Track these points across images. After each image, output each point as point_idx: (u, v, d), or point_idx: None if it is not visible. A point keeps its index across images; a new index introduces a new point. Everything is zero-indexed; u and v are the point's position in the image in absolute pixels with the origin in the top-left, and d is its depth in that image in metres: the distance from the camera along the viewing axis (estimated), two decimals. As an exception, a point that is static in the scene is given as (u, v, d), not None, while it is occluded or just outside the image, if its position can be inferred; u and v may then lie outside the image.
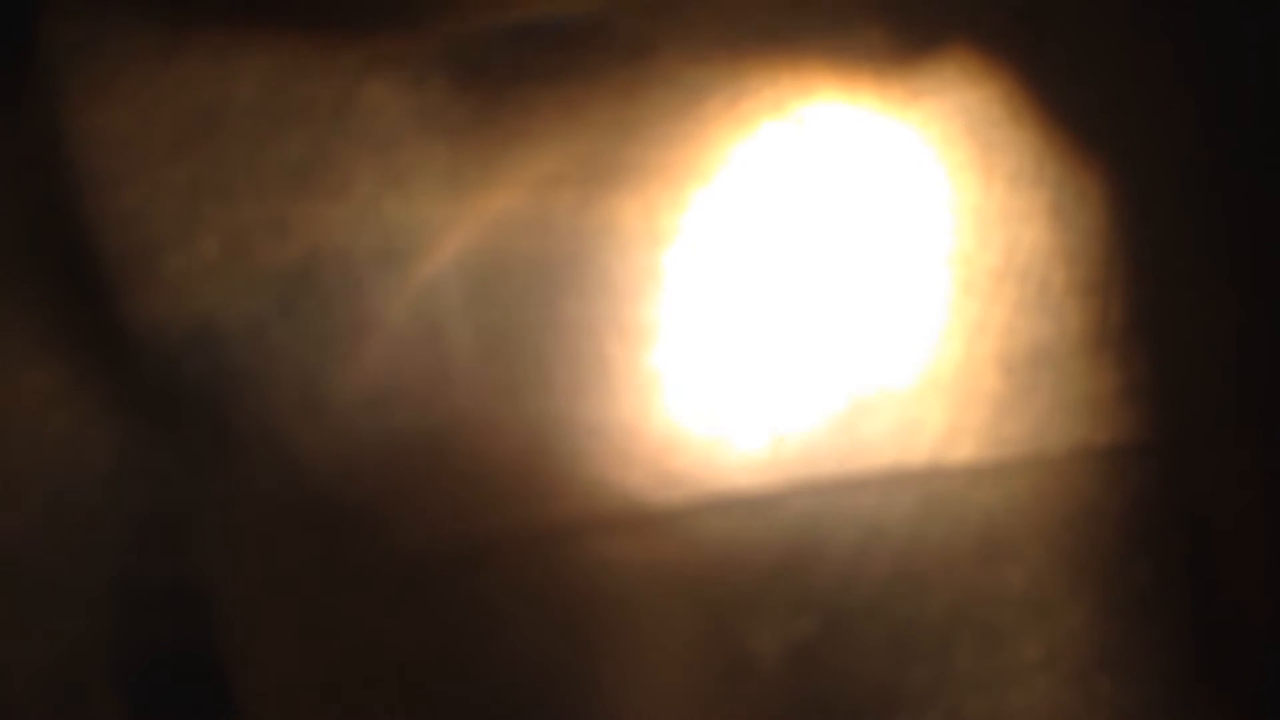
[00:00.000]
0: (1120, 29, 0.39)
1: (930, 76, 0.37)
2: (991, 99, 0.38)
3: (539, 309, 0.36)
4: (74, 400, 0.35)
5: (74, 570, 0.35)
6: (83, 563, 0.35)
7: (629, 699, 0.35)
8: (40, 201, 0.36)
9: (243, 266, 0.36)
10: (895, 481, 0.36)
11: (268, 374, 0.35)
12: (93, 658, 0.35)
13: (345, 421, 0.35)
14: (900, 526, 0.36)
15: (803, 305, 0.37)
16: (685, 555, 0.35)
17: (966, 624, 0.36)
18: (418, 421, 0.35)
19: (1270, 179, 0.39)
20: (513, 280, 0.36)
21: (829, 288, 0.37)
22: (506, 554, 0.35)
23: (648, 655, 0.35)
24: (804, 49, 0.37)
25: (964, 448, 0.36)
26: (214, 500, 0.35)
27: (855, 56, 0.37)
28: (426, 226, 0.36)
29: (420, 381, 0.35)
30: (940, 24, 0.38)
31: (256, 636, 0.35)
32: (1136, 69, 0.38)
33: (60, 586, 0.35)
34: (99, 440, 0.35)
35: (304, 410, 0.35)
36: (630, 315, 0.36)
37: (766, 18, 0.37)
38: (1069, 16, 0.38)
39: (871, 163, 0.37)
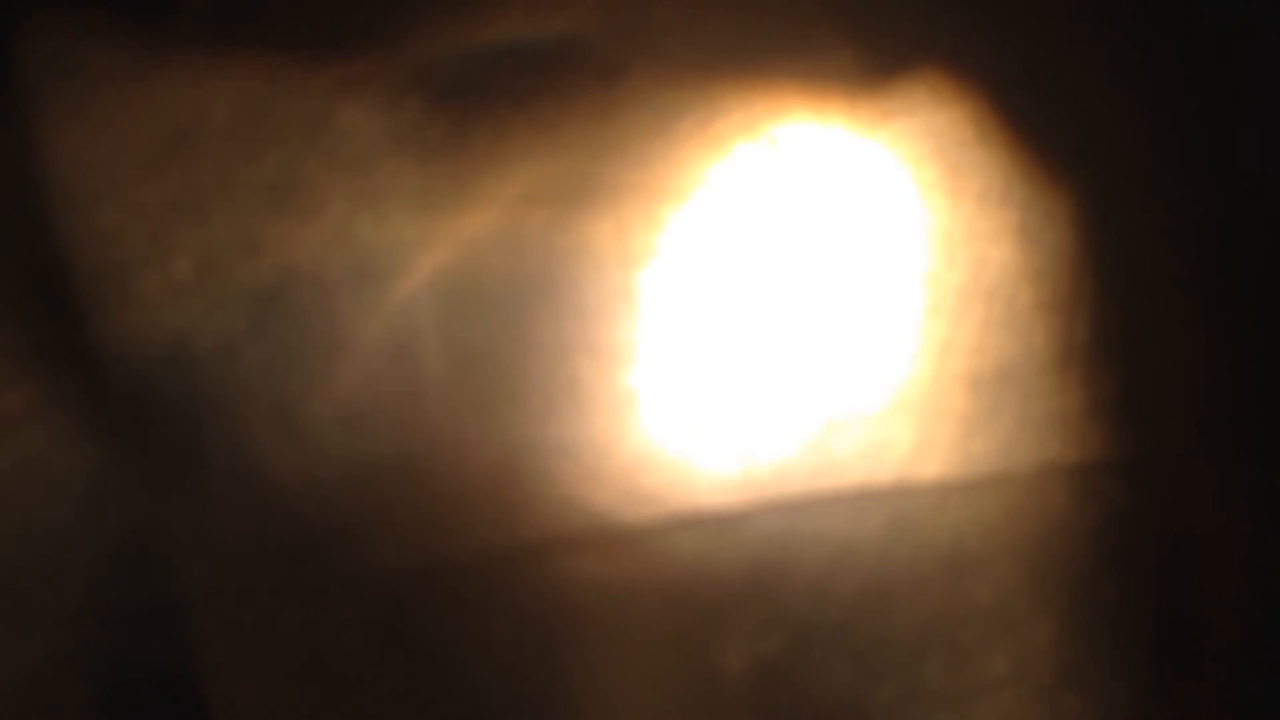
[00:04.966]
0: (1088, 53, 0.39)
1: (900, 98, 0.38)
2: (960, 121, 0.38)
3: (511, 329, 0.36)
4: (46, 420, 0.35)
5: (47, 589, 0.35)
6: (55, 582, 0.35)
7: (599, 715, 0.35)
8: (14, 220, 0.36)
9: (216, 286, 0.36)
10: (864, 500, 0.36)
11: (240, 393, 0.36)
12: (66, 677, 0.35)
13: (318, 441, 0.35)
14: (869, 544, 0.36)
15: (772, 325, 0.37)
16: (655, 573, 0.35)
17: (934, 640, 0.36)
18: (390, 441, 0.35)
19: (1237, 197, 0.39)
20: (485, 300, 0.36)
21: (798, 307, 0.37)
22: (478, 572, 0.35)
23: (618, 672, 0.35)
24: (776, 71, 0.38)
25: (932, 466, 0.36)
26: (187, 520, 0.35)
27: (826, 78, 0.38)
28: (399, 247, 0.36)
29: (393, 401, 0.36)
30: (910, 47, 0.38)
31: (229, 656, 0.35)
32: (1103, 91, 0.39)
33: (33, 606, 0.35)
34: (71, 459, 0.35)
35: (277, 430, 0.35)
36: (602, 335, 0.36)
37: (739, 40, 0.38)
38: (1037, 40, 0.39)
39: (842, 183, 0.37)
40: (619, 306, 0.36)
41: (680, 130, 0.37)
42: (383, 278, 0.36)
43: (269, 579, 0.35)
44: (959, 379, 0.37)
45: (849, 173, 0.37)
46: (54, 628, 0.35)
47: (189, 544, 0.35)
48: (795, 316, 0.37)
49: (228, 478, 0.35)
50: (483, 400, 0.36)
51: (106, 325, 0.36)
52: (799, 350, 0.37)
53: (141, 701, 0.35)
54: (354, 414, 0.35)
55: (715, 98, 0.37)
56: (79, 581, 0.35)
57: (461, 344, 0.36)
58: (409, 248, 0.36)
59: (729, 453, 0.36)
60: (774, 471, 0.36)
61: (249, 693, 0.35)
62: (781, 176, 0.37)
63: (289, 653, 0.35)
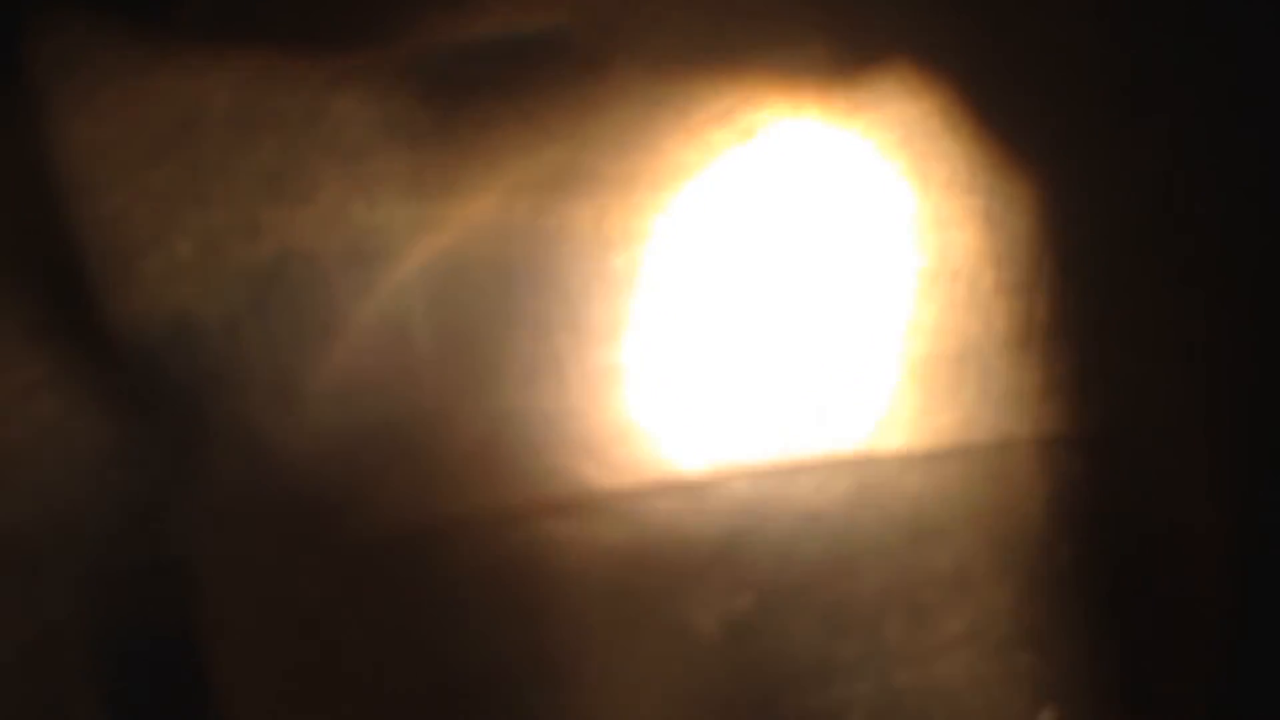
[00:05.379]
0: (1050, 47, 0.40)
1: (870, 90, 0.38)
2: (927, 112, 0.38)
3: (497, 308, 0.37)
4: (59, 392, 0.36)
5: (58, 552, 0.36)
6: (67, 545, 0.36)
7: (578, 670, 0.36)
8: (28, 205, 0.37)
9: (217, 267, 0.37)
10: (830, 468, 0.37)
11: (241, 368, 0.36)
12: (75, 635, 0.36)
13: (314, 413, 0.36)
14: (834, 510, 0.37)
15: (744, 303, 0.38)
16: (632, 537, 0.36)
17: (895, 601, 0.37)
18: (382, 412, 0.36)
19: (1196, 182, 0.40)
20: (472, 281, 0.37)
21: (769, 287, 0.38)
22: (466, 536, 0.36)
23: (596, 629, 0.36)
24: (751, 64, 0.38)
25: (895, 438, 0.37)
26: (190, 486, 0.36)
27: (800, 71, 0.38)
28: (391, 230, 0.37)
29: (385, 375, 0.36)
30: (880, 42, 0.39)
31: (229, 615, 0.36)
32: (1063, 85, 0.40)
33: (46, 567, 0.36)
34: (83, 430, 0.36)
35: (275, 402, 0.36)
36: (583, 314, 0.37)
37: (716, 35, 0.38)
38: (1004, 34, 0.40)
39: (814, 171, 0.38)
40: (599, 287, 0.37)
41: (660, 121, 0.38)
42: (375, 259, 0.37)
43: (267, 542, 0.36)
44: (923, 356, 0.38)
45: (821, 161, 0.38)
46: (65, 589, 0.36)
47: (192, 509, 0.36)
48: (767, 297, 0.38)
49: (229, 447, 0.36)
50: (470, 374, 0.36)
51: (115, 303, 0.36)
52: (770, 328, 0.38)
53: (144, 661, 0.36)
54: (348, 387, 0.36)
55: (693, 90, 0.38)
56: (89, 545, 0.36)
57: (450, 321, 0.37)
58: (400, 231, 0.37)
59: (702, 424, 0.37)
60: (744, 442, 0.37)
61: (247, 653, 0.36)
62: (757, 165, 0.38)
63: (286, 613, 0.36)
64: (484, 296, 0.37)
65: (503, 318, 0.37)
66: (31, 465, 0.36)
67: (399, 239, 0.37)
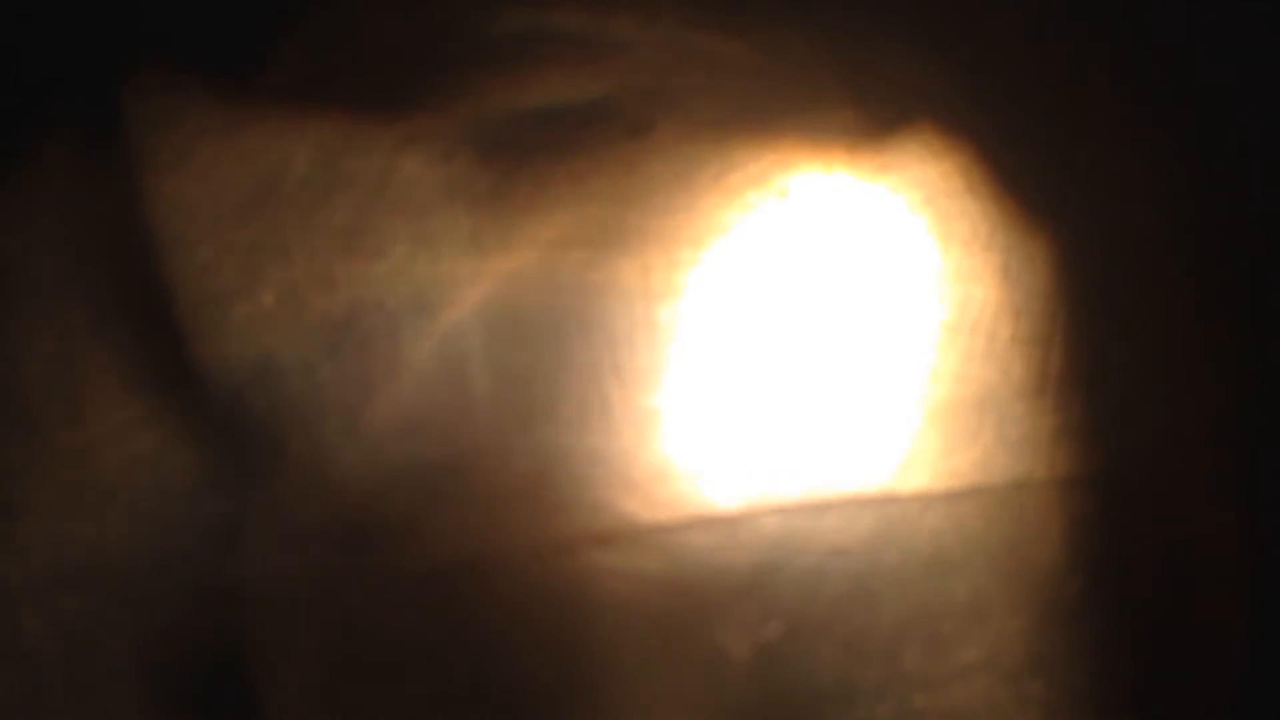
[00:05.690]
0: (1064, 110, 0.41)
1: (896, 153, 0.40)
2: (949, 173, 0.40)
3: (548, 354, 0.39)
4: (154, 426, 0.38)
5: (153, 571, 0.38)
6: (160, 565, 0.38)
7: (618, 690, 0.38)
8: (126, 257, 0.39)
9: (296, 315, 0.39)
10: (854, 506, 0.38)
11: (316, 407, 0.38)
12: (166, 648, 0.38)
13: (381, 448, 0.38)
14: (858, 545, 0.38)
15: (777, 352, 0.39)
16: (669, 567, 0.38)
17: (915, 631, 0.38)
18: (442, 449, 0.38)
19: (1204, 239, 0.41)
20: (526, 328, 0.39)
21: (801, 337, 0.40)
22: (517, 564, 0.38)
23: (636, 652, 0.38)
24: (784, 128, 0.40)
25: (916, 478, 0.39)
26: (269, 513, 0.38)
27: (830, 135, 0.40)
28: (452, 282, 0.39)
29: (445, 415, 0.38)
30: (905, 107, 0.40)
31: (293, 634, 0.38)
32: (1077, 147, 0.41)
33: (141, 585, 0.38)
34: (175, 462, 0.38)
35: (346, 438, 0.38)
36: (628, 360, 0.39)
37: (752, 101, 0.40)
38: (1018, 100, 0.41)
39: (843, 228, 0.40)
40: (643, 335, 0.39)
41: (699, 181, 0.39)
42: (438, 308, 0.39)
43: (335, 566, 0.38)
44: (943, 402, 0.39)
45: (850, 219, 0.40)
46: (158, 604, 0.38)
47: (269, 534, 0.38)
48: (798, 345, 0.39)
49: (304, 478, 0.38)
50: (523, 415, 0.38)
51: (204, 347, 0.38)
52: (800, 374, 0.39)
53: (212, 675, 0.38)
54: (412, 425, 0.38)
55: (731, 152, 0.40)
56: (178, 565, 0.38)
57: (505, 366, 0.38)
58: (460, 283, 0.39)
59: (735, 463, 0.39)
60: (775, 480, 0.39)
61: (305, 671, 0.38)
62: (790, 223, 0.40)
63: (344, 635, 0.38)
64: (536, 343, 0.39)
65: (553, 363, 0.38)
66: (130, 492, 0.38)
67: (459, 290, 0.39)
